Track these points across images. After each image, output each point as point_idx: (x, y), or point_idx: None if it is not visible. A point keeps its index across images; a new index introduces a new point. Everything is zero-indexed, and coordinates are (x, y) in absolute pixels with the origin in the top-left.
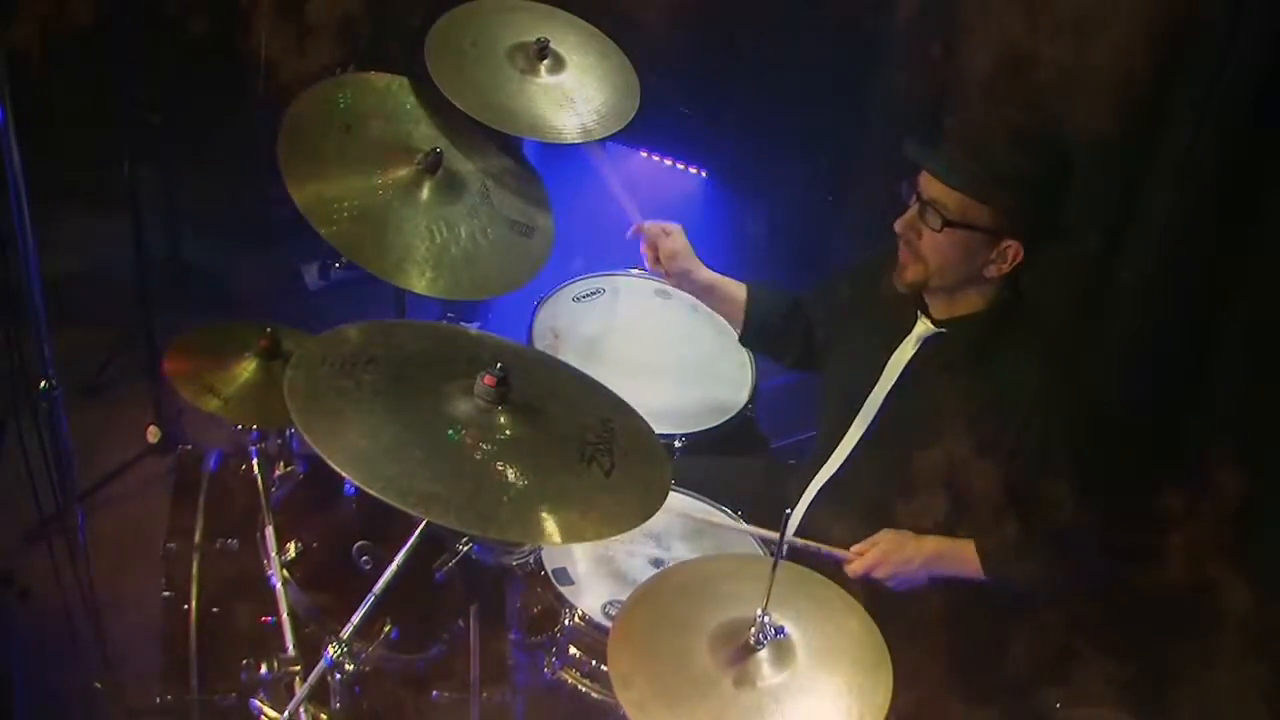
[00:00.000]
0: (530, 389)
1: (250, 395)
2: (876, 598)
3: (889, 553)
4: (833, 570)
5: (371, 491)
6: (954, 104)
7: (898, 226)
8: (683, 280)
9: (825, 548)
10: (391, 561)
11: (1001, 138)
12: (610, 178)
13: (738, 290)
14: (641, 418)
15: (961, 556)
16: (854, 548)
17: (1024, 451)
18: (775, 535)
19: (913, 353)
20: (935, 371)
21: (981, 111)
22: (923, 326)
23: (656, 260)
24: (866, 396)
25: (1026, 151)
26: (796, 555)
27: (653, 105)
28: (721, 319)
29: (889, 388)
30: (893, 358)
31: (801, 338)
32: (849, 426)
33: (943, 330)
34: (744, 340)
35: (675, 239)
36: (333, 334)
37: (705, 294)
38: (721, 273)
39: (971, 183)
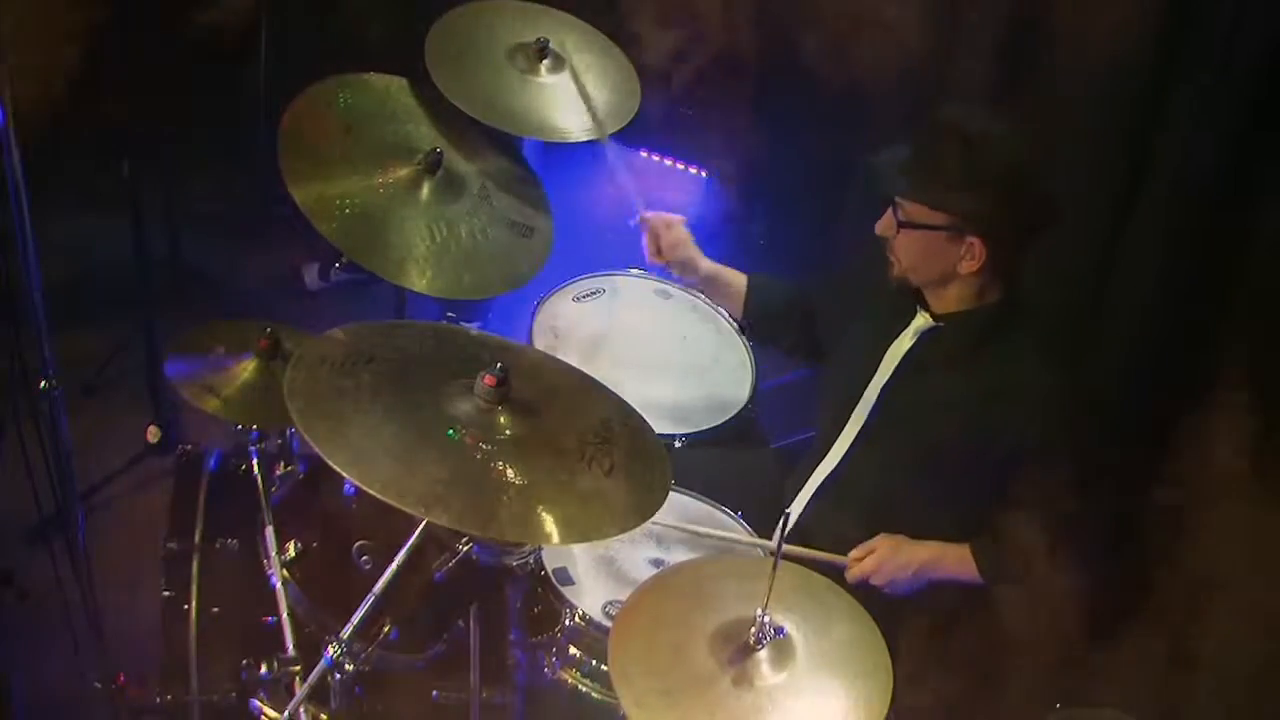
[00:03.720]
0: (530, 389)
1: (250, 395)
2: (876, 598)
3: (885, 559)
4: (832, 570)
5: (371, 491)
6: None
7: (877, 229)
8: (685, 269)
9: (822, 555)
10: (391, 561)
11: (948, 142)
12: (617, 167)
13: (738, 279)
14: (641, 418)
15: (957, 560)
16: (851, 554)
17: (1024, 448)
18: (767, 543)
19: (910, 345)
20: (933, 366)
21: (933, 116)
22: (921, 320)
23: (658, 252)
24: (864, 389)
25: (972, 155)
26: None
27: (653, 105)
28: (722, 319)
29: (885, 380)
30: (890, 350)
31: (799, 324)
32: (847, 420)
33: (940, 324)
34: (742, 325)
35: (677, 230)
36: (332, 334)
37: (706, 284)
38: None
39: (915, 189)
